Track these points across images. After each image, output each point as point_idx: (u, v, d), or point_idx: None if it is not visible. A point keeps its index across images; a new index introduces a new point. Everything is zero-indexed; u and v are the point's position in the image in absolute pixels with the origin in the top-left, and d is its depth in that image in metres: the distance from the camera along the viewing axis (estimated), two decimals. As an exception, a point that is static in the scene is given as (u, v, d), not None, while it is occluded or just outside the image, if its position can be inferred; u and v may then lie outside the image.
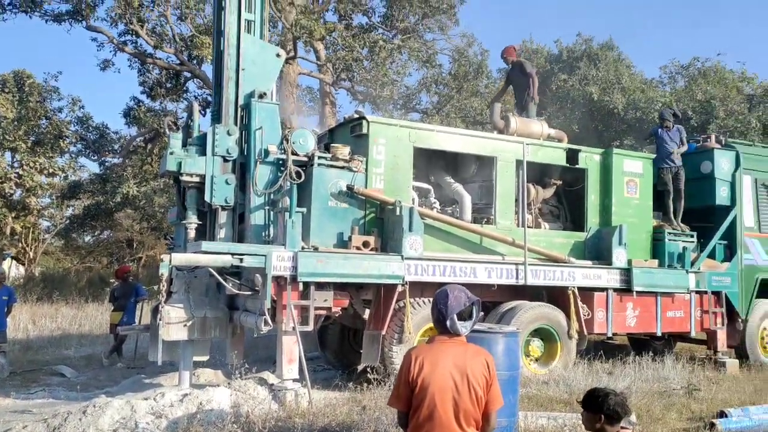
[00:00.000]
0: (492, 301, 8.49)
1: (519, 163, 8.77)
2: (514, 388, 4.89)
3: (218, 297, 7.54)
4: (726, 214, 10.05)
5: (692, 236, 9.72)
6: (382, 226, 7.86)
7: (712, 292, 9.68)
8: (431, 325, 7.51)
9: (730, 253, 10.10)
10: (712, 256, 9.93)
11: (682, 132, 9.98)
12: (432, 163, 9.12)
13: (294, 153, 7.40)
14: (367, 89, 19.95)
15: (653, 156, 9.89)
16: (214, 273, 6.85)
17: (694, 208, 10.05)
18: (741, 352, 10.04)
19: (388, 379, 7.01)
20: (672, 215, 9.81)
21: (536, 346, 8.33)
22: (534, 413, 5.83)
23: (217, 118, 7.76)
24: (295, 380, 6.81)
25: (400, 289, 7.40)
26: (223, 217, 7.42)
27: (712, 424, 5.99)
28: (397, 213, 7.62)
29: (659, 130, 10.19)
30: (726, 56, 49.89)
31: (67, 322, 13.74)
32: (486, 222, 8.67)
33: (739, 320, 9.98)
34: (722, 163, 10.12)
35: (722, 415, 6.21)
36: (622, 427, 3.74)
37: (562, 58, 25.86)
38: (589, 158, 9.33)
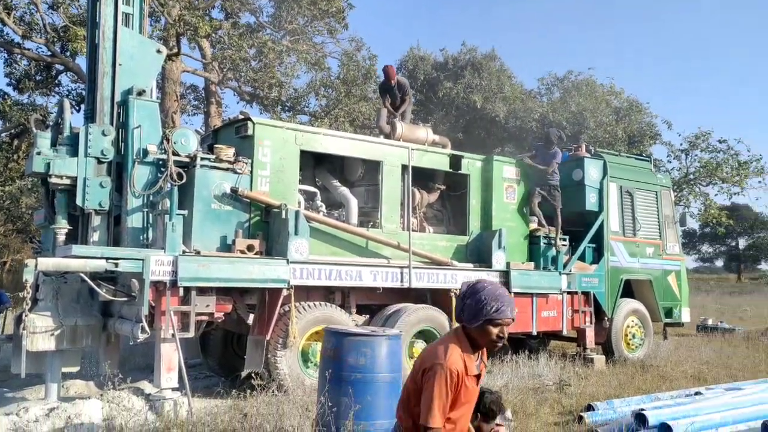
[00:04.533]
0: (377, 303, 8.59)
1: (404, 167, 8.94)
2: (397, 389, 4.95)
3: (91, 304, 7.10)
4: (595, 219, 10.72)
5: (565, 240, 10.31)
6: (268, 230, 7.75)
7: (582, 293, 10.30)
8: (317, 329, 7.52)
9: (597, 255, 10.80)
10: (582, 258, 10.58)
11: (555, 156, 10.08)
12: (319, 166, 9.12)
13: (175, 153, 7.13)
14: (254, 90, 19.60)
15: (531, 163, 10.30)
16: (86, 278, 6.45)
17: (567, 213, 10.66)
18: (607, 349, 10.75)
19: (272, 385, 6.90)
20: (547, 224, 10.18)
21: (420, 347, 8.48)
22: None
23: (91, 117, 7.32)
24: (174, 389, 6.55)
25: (285, 293, 7.31)
26: (96, 220, 7.00)
27: (581, 418, 6.37)
28: (283, 216, 7.53)
29: (540, 146, 10.48)
30: (596, 70, 53.54)
31: None
32: (372, 225, 8.76)
33: (606, 319, 10.69)
34: (591, 171, 10.78)
35: (590, 408, 6.63)
36: (497, 424, 3.90)
37: (448, 66, 26.68)
38: (472, 164, 9.67)
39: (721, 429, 5.56)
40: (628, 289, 11.25)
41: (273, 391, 6.65)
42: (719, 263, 67.94)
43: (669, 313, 11.72)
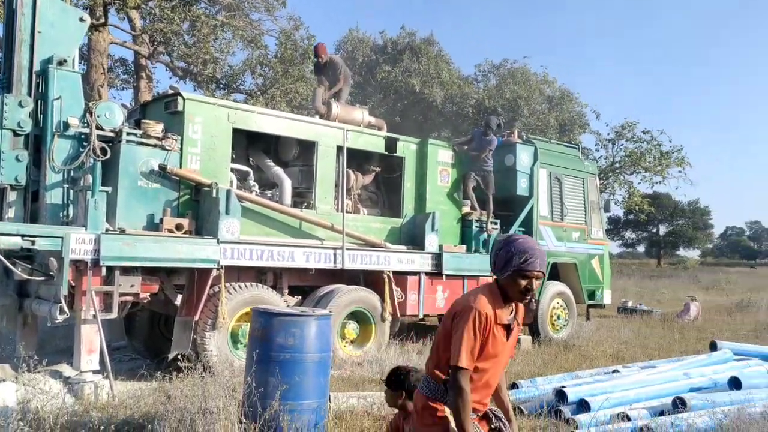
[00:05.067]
0: (310, 285, 8.55)
1: (339, 148, 8.88)
2: (326, 369, 4.95)
3: (6, 283, 6.80)
4: (525, 203, 10.98)
5: (496, 223, 10.50)
6: (198, 209, 7.57)
7: (511, 275, 10.50)
8: (247, 310, 7.41)
9: (527, 239, 11.03)
10: (512, 242, 10.78)
11: (491, 143, 10.21)
12: (252, 145, 8.95)
13: (99, 127, 6.86)
14: (188, 66, 19.01)
15: (465, 148, 10.45)
16: (0, 257, 6.15)
17: (498, 198, 10.86)
18: (534, 329, 11.08)
19: (199, 366, 6.77)
20: (479, 208, 10.38)
21: (352, 328, 8.52)
22: (345, 394, 5.97)
23: (7, 87, 6.93)
24: (95, 372, 6.34)
25: (214, 273, 7.17)
26: (12, 195, 6.67)
27: (505, 396, 6.52)
28: (214, 195, 7.37)
29: (479, 133, 10.56)
30: (531, 59, 54.68)
31: None
32: (306, 206, 8.69)
33: (533, 300, 10.95)
34: (523, 157, 11.01)
35: (514, 386, 6.81)
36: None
37: (387, 49, 26.63)
38: (407, 147, 9.71)
39: (635, 405, 5.81)
40: (554, 272, 11.59)
41: (200, 373, 6.53)
42: (641, 249, 71.03)
43: (592, 295, 12.16)
